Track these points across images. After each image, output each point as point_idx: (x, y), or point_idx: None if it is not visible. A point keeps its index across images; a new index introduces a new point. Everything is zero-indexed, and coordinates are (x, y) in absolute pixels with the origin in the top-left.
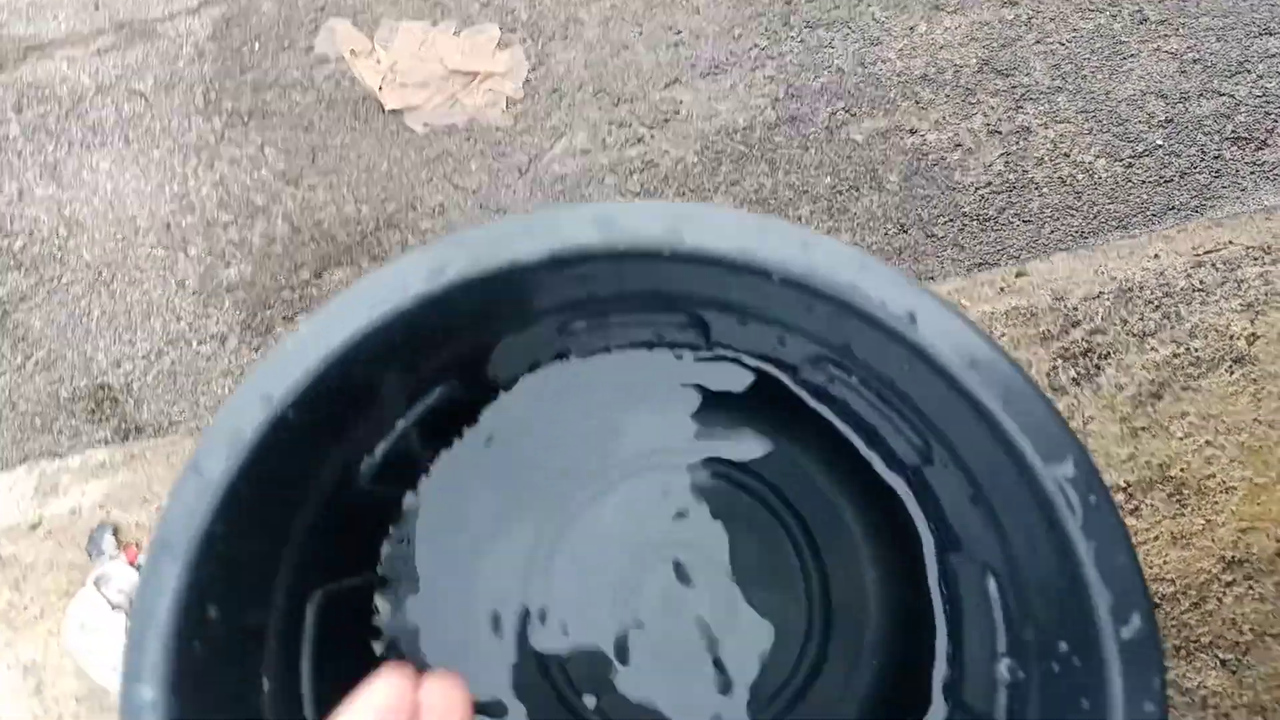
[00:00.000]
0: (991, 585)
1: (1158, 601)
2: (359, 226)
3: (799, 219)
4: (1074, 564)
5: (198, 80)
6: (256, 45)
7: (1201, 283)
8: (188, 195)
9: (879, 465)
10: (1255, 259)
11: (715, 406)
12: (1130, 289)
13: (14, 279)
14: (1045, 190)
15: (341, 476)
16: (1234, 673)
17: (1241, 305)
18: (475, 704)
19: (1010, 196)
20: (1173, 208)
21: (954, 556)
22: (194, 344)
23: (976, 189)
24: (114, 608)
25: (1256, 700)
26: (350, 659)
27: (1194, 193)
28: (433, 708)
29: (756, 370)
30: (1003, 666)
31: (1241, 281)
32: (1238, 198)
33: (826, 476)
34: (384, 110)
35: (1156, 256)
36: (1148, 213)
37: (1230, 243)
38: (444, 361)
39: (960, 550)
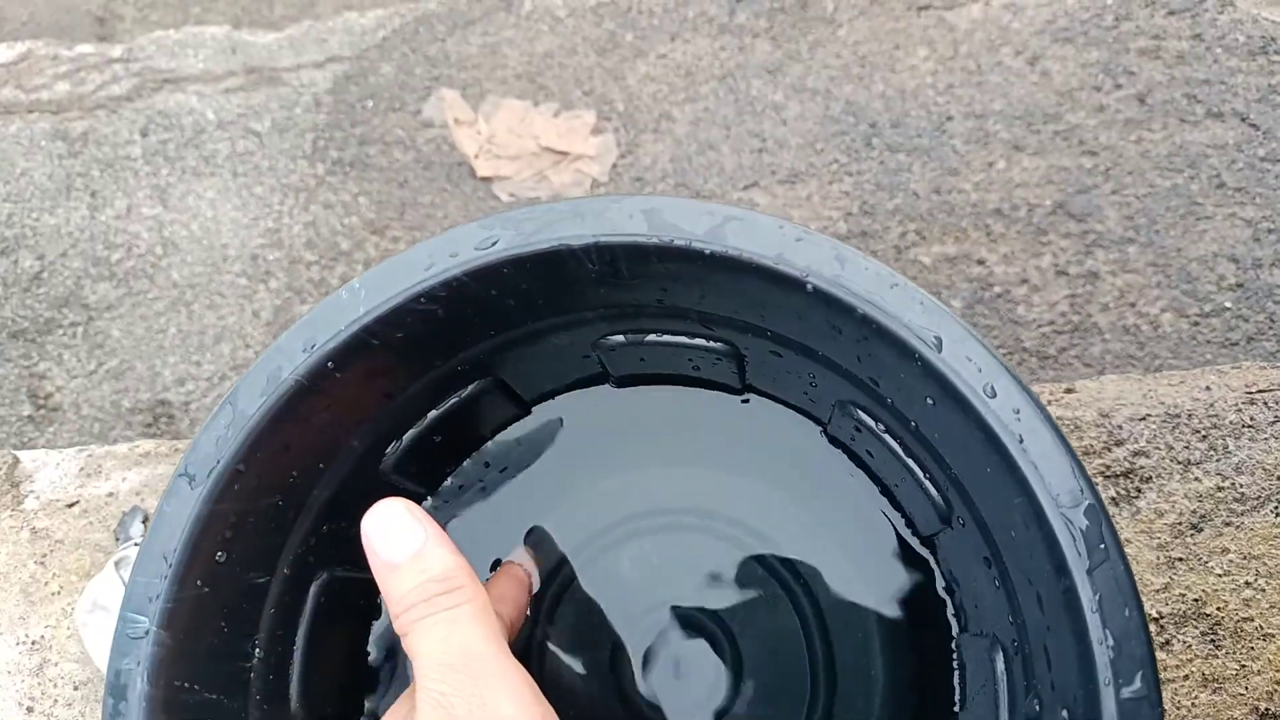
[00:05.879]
0: (999, 662)
1: None
2: None
3: None
4: (1079, 619)
5: (310, 128)
6: (370, 103)
7: (1252, 419)
8: (279, 231)
9: (906, 534)
10: None
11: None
12: (1178, 415)
13: (104, 289)
14: (1108, 336)
15: (366, 457)
16: None
17: None
18: None
19: (1072, 338)
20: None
21: (964, 636)
22: None
23: (1039, 326)
24: None
25: None
26: (343, 658)
27: (1262, 360)
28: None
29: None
30: None
31: None
32: None
33: (844, 549)
34: (475, 176)
35: (1208, 389)
36: None
37: None
38: (482, 353)
39: (969, 629)
